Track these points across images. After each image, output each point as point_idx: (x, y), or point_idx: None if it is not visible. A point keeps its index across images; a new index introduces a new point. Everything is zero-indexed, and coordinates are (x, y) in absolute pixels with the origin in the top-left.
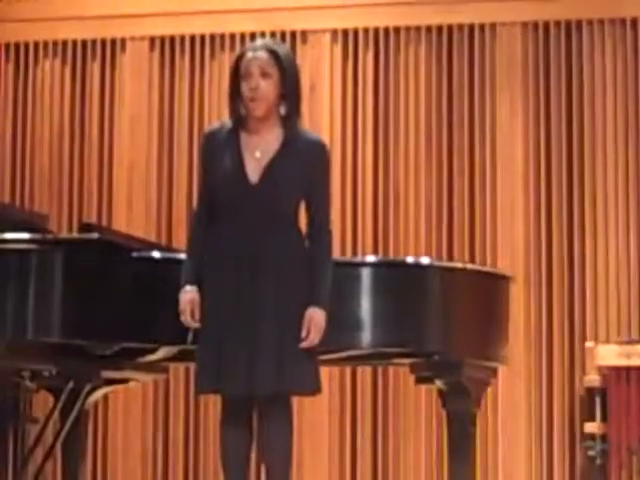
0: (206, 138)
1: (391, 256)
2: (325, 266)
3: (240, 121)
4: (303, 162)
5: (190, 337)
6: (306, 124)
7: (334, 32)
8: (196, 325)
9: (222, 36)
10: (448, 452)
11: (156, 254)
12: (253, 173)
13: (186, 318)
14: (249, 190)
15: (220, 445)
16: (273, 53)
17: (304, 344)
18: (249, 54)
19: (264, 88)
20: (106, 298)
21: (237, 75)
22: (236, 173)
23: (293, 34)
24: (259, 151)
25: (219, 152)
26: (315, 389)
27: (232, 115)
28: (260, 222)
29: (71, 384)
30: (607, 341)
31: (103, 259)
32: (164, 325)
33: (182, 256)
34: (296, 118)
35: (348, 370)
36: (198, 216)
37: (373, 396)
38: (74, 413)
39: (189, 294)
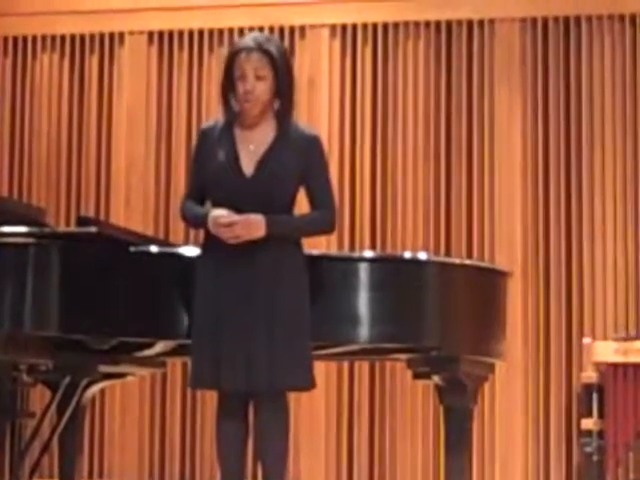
0: (201, 135)
1: (389, 251)
2: (308, 220)
3: (234, 117)
4: (297, 153)
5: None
6: (305, 119)
7: (332, 27)
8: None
9: (220, 31)
10: (445, 447)
11: (154, 248)
12: (248, 166)
13: (221, 221)
14: (244, 183)
15: (216, 439)
16: (266, 53)
17: (224, 219)
18: (242, 55)
19: (258, 90)
20: (103, 292)
21: (230, 73)
22: (231, 167)
23: (291, 29)
24: (253, 144)
25: (214, 148)
26: (310, 384)
27: (225, 111)
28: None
29: (68, 378)
30: (604, 338)
31: (101, 253)
32: (162, 320)
33: (180, 250)
34: (290, 112)
35: (346, 365)
36: (185, 202)
37: (370, 391)
38: (71, 407)
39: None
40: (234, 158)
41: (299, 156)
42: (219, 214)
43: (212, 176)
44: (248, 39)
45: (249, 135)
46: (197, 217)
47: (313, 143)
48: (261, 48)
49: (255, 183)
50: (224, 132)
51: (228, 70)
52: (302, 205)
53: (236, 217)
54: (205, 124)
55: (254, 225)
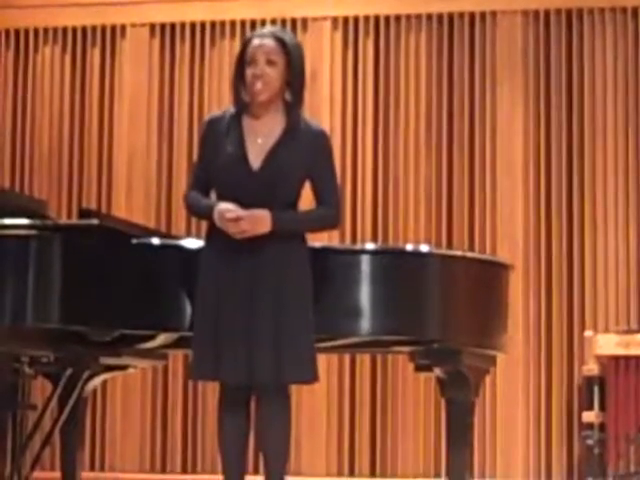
0: (207, 124)
1: (390, 244)
2: (313, 216)
3: (243, 107)
4: (305, 149)
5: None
6: (306, 111)
7: (334, 20)
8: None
9: (222, 23)
10: (446, 440)
11: (155, 241)
12: (255, 159)
13: (227, 216)
14: (251, 176)
15: (218, 431)
16: (280, 41)
17: (230, 213)
18: (255, 41)
19: (269, 75)
20: (105, 284)
21: (242, 61)
22: (238, 159)
23: (294, 21)
24: (261, 138)
25: (221, 139)
26: (312, 378)
27: (235, 101)
28: (261, 208)
29: (70, 370)
30: (606, 330)
31: (102, 245)
32: (163, 312)
33: (182, 243)
34: (299, 105)
35: (347, 358)
36: (190, 191)
37: (372, 384)
38: (72, 400)
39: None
40: (242, 151)
41: (306, 151)
42: (226, 208)
43: (219, 168)
44: (262, 29)
45: (257, 127)
46: (202, 208)
47: (320, 139)
48: (274, 36)
49: (261, 177)
50: (232, 123)
51: (240, 58)
52: (306, 200)
53: (242, 212)
54: (211, 114)
55: (260, 221)
